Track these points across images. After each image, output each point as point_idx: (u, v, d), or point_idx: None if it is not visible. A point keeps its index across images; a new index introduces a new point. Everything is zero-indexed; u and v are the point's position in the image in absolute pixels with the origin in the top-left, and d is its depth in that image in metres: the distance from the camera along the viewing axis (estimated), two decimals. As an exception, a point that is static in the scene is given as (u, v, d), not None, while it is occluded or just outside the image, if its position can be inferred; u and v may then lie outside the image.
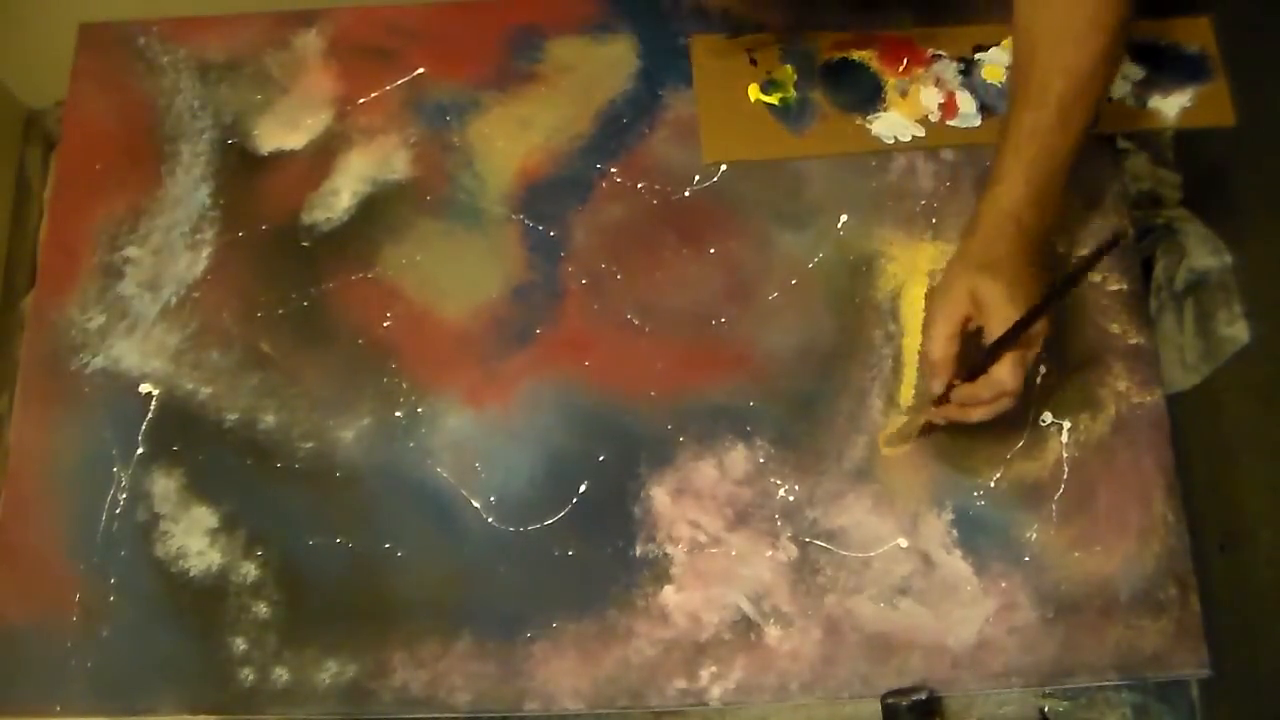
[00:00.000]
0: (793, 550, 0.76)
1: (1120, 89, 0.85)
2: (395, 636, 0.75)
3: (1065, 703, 0.78)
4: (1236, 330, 0.97)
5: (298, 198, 0.85)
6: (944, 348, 0.70)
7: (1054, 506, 0.77)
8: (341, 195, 0.85)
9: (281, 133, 0.87)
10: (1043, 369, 0.78)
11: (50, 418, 0.80)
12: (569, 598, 0.76)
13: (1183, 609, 0.74)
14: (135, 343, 0.82)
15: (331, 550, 0.77)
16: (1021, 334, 0.66)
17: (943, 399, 0.71)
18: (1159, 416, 0.79)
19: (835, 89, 0.87)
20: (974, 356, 0.69)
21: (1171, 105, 0.86)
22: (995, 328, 0.67)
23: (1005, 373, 0.67)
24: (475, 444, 0.79)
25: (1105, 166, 0.85)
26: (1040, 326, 0.68)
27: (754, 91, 0.87)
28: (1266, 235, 0.97)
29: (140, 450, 0.79)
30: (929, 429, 0.76)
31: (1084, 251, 0.82)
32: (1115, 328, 0.81)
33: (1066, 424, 0.78)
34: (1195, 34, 0.87)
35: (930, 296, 0.71)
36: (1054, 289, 0.67)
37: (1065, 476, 0.77)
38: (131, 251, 0.84)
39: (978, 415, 0.71)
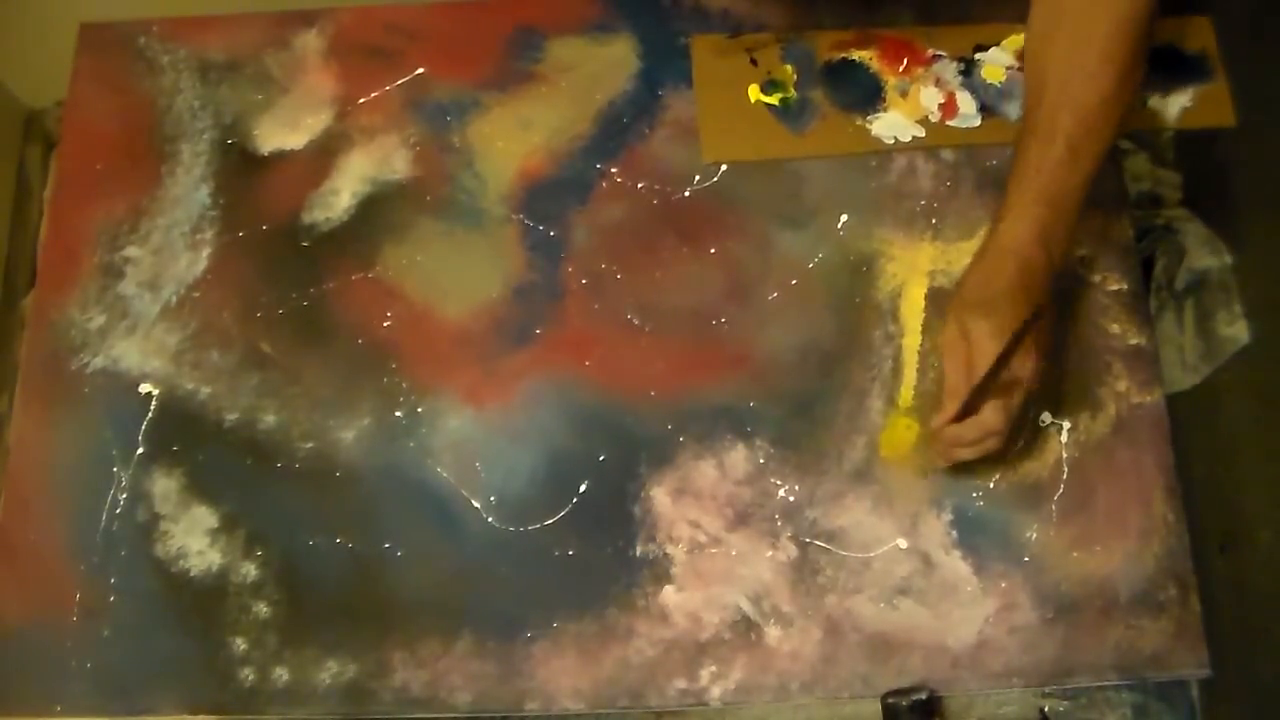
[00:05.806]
0: (793, 550, 0.76)
1: (1120, 89, 0.85)
2: (395, 636, 0.75)
3: (1065, 703, 0.78)
4: (1236, 330, 0.97)
5: (298, 198, 0.85)
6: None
7: (1053, 506, 0.77)
8: (341, 195, 0.85)
9: (281, 133, 0.87)
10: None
11: (50, 418, 0.80)
12: (569, 598, 0.76)
13: (1183, 609, 0.74)
14: (135, 343, 0.82)
15: (331, 550, 0.77)
16: (990, 383, 0.66)
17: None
18: (1159, 416, 0.79)
19: (835, 89, 0.87)
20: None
21: (1171, 105, 0.85)
22: (979, 363, 0.67)
23: (988, 413, 0.68)
24: (475, 444, 0.79)
25: (1105, 166, 0.85)
26: (1026, 371, 0.68)
27: (754, 91, 0.87)
28: (1266, 235, 0.96)
29: (140, 450, 0.79)
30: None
31: (1082, 252, 0.82)
32: (1115, 328, 0.81)
33: (1066, 424, 0.78)
34: (1195, 34, 0.87)
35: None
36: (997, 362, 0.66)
37: (1065, 476, 0.77)
38: (131, 251, 0.84)
39: (964, 455, 0.72)
